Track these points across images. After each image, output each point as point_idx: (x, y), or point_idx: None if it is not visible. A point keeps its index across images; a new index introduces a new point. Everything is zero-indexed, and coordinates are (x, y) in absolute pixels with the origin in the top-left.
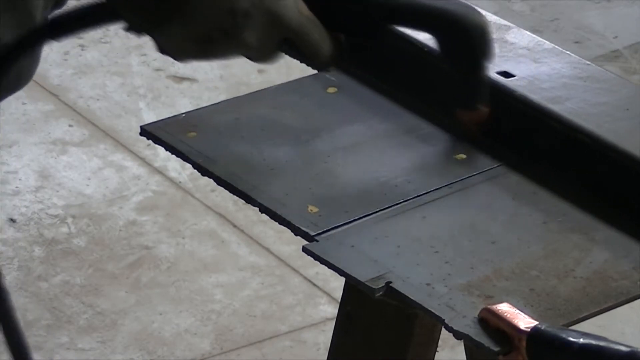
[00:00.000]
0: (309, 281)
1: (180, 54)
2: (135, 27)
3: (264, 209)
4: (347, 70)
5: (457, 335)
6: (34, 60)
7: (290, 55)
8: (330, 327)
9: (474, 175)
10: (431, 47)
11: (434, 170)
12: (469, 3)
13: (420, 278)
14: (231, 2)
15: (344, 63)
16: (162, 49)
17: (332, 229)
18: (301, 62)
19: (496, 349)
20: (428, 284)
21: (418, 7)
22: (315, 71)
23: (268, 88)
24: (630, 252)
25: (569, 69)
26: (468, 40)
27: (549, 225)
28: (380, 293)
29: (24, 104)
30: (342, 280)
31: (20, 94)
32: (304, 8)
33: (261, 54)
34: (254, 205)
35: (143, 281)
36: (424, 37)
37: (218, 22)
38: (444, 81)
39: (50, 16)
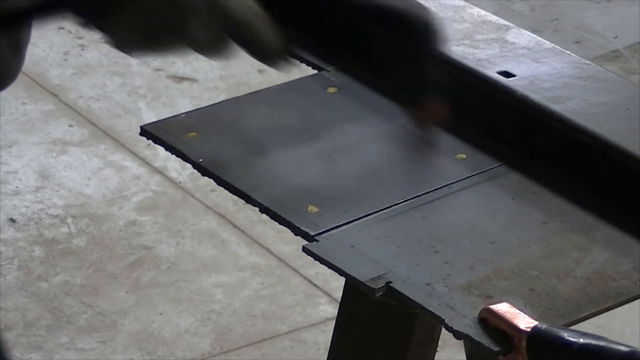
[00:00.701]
0: (309, 281)
1: (127, 45)
2: (84, 20)
3: (264, 209)
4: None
5: (457, 335)
6: (19, 59)
7: (240, 49)
8: (330, 327)
9: (474, 175)
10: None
11: (434, 170)
12: (468, 3)
13: (420, 278)
14: None
15: (292, 56)
16: (111, 41)
17: (332, 229)
18: (250, 55)
19: (496, 349)
20: (428, 284)
21: (363, 2)
22: (315, 71)
23: (268, 88)
24: (630, 252)
25: (569, 68)
26: (410, 35)
27: (549, 225)
28: (380, 293)
29: (24, 104)
30: (342, 280)
31: (20, 94)
32: (251, 1)
33: (207, 47)
34: (254, 205)
35: (143, 281)
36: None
37: (162, 13)
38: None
39: None
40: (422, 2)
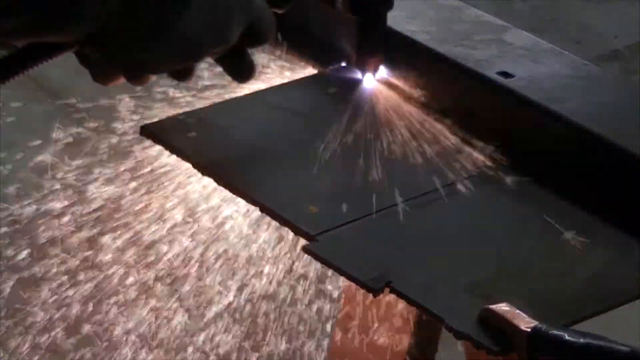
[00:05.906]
0: None
1: (164, 66)
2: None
3: (264, 209)
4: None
5: (457, 335)
6: None
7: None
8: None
9: (474, 175)
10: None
11: (433, 170)
12: (465, 3)
13: (420, 278)
14: (223, 1)
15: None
16: (142, 67)
17: (332, 229)
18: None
19: (496, 349)
20: (428, 284)
21: None
22: (315, 71)
23: (268, 88)
24: (630, 252)
25: (568, 69)
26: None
27: (549, 225)
28: (380, 293)
29: (24, 104)
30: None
31: (20, 94)
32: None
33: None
34: (254, 205)
35: None
36: None
37: (211, 23)
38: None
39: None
40: (420, 3)
